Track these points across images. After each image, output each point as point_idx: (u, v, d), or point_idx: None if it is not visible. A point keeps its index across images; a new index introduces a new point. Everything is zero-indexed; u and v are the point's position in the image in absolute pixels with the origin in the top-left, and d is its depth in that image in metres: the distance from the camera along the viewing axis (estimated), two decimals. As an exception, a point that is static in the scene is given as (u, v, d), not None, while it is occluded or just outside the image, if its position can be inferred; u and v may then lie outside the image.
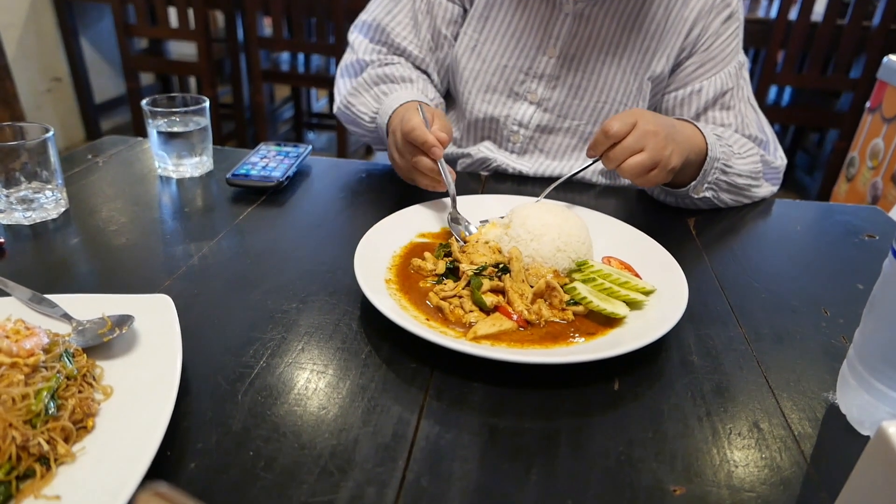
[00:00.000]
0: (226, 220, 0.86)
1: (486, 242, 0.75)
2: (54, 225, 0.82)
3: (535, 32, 1.02)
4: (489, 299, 0.65)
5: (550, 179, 1.07)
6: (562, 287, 0.67)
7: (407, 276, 0.71)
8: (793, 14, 2.52)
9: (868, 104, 2.28)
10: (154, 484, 0.26)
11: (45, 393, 0.46)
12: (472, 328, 0.62)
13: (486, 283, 0.67)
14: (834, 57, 2.65)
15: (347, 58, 1.11)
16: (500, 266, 0.70)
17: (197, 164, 0.98)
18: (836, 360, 0.61)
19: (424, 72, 1.09)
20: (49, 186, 0.83)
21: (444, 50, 1.08)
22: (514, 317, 0.64)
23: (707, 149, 0.89)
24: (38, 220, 0.82)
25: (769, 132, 1.04)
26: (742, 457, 0.51)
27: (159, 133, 0.95)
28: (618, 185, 1.09)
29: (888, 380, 0.51)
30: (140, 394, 0.50)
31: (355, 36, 1.10)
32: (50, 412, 0.46)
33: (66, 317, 0.58)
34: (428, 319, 0.64)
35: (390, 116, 0.96)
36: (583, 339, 0.62)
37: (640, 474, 0.49)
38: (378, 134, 1.04)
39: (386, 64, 1.06)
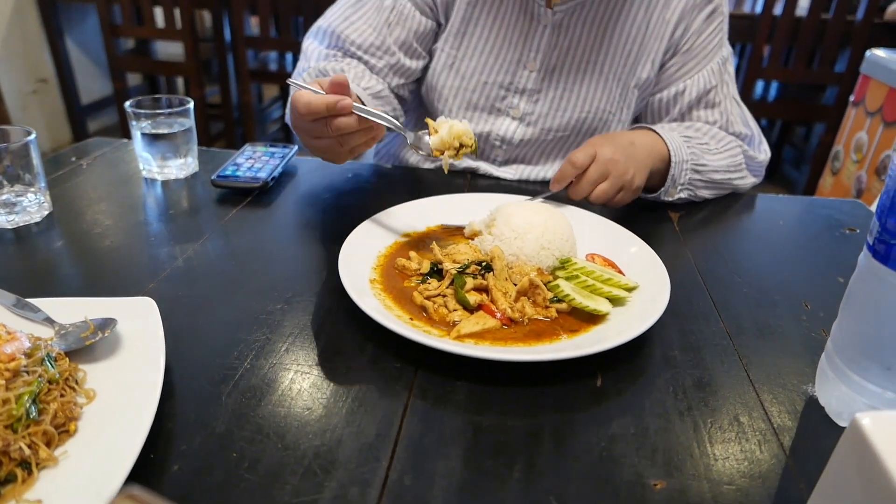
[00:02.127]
0: (211, 221, 0.86)
1: (468, 242, 0.76)
2: (37, 228, 0.82)
3: (514, 46, 0.99)
4: (473, 298, 0.65)
5: (533, 182, 1.08)
6: (545, 285, 0.68)
7: (392, 275, 0.72)
8: (778, 9, 2.54)
9: (852, 98, 2.30)
10: (129, 487, 0.26)
11: (26, 397, 0.46)
12: (456, 327, 0.62)
13: (470, 282, 0.67)
14: (819, 51, 2.67)
15: (300, 65, 1.03)
16: (484, 264, 0.71)
17: (182, 166, 0.98)
18: (816, 353, 0.61)
19: (382, 80, 1.01)
20: (32, 189, 0.82)
21: (416, 63, 1.02)
22: (498, 315, 0.64)
23: (671, 155, 0.91)
24: (21, 224, 0.81)
25: (754, 126, 1.05)
26: (722, 450, 0.51)
27: (143, 135, 0.95)
28: None
29: (865, 372, 0.51)
30: (123, 397, 0.50)
31: (309, 42, 1.03)
32: (31, 416, 0.46)
33: (49, 321, 0.58)
34: (412, 319, 0.64)
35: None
36: (566, 336, 0.63)
37: (622, 469, 0.49)
38: None
39: (333, 60, 0.98)
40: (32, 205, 0.83)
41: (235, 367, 0.58)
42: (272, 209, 0.90)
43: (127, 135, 1.00)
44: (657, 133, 0.94)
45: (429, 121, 0.76)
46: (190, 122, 0.98)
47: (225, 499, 0.45)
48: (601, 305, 0.66)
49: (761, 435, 0.53)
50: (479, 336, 0.62)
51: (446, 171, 0.80)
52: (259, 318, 0.65)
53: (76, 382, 0.52)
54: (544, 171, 1.09)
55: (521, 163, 1.09)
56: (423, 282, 0.70)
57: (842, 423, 0.55)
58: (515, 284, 0.69)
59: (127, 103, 0.95)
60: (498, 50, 1.00)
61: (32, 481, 0.43)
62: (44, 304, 0.60)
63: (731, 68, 1.03)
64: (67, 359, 0.53)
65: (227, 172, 0.95)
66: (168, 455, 0.48)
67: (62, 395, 0.49)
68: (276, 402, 0.54)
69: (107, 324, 0.56)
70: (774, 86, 3.61)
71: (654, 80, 1.03)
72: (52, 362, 0.51)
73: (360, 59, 0.99)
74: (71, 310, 0.59)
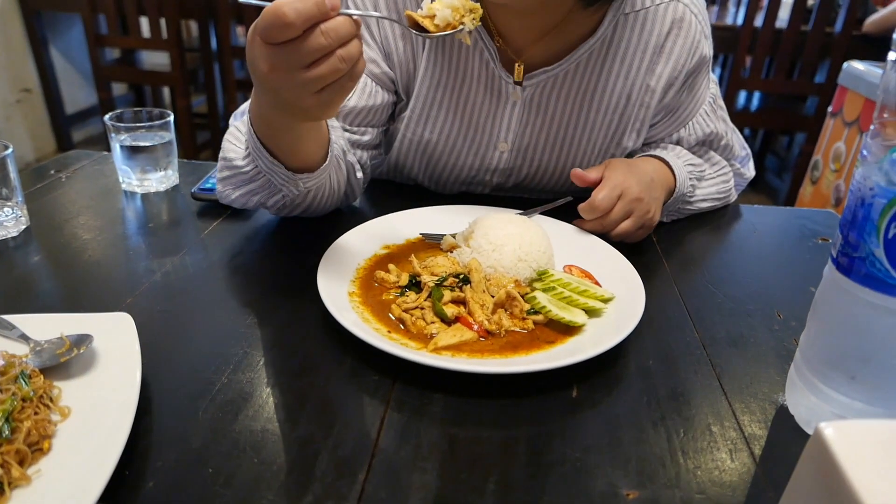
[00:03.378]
0: (190, 234, 0.86)
1: (447, 255, 0.76)
2: (14, 243, 0.81)
3: (482, 128, 0.93)
4: (450, 310, 0.66)
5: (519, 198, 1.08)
6: (522, 296, 0.68)
7: (371, 288, 0.72)
8: (758, 20, 2.59)
9: (830, 108, 2.34)
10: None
11: None
12: (433, 339, 0.63)
13: (448, 294, 0.68)
14: (799, 62, 2.72)
15: (224, 142, 0.82)
16: (461, 277, 0.72)
17: (162, 179, 0.98)
18: (788, 363, 0.62)
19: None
20: (9, 204, 0.82)
21: (375, 128, 0.94)
22: (475, 327, 0.65)
23: (675, 188, 0.91)
24: (-1, 238, 0.81)
25: (746, 145, 1.06)
26: (694, 459, 0.52)
27: (123, 148, 0.95)
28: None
29: (830, 381, 0.52)
30: (98, 414, 0.50)
31: (233, 130, 0.83)
32: (4, 435, 0.46)
33: (24, 337, 0.58)
34: (390, 332, 0.64)
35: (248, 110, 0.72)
36: (542, 347, 0.63)
37: (596, 480, 0.50)
38: (259, 165, 0.74)
39: None
40: (9, 219, 0.82)
41: (213, 381, 0.58)
42: (252, 222, 0.90)
43: (110, 147, 0.99)
44: (669, 166, 0.91)
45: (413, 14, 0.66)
46: (170, 135, 0.98)
47: (199, 515, 0.45)
48: (577, 317, 0.66)
49: (732, 444, 0.54)
50: (456, 348, 0.62)
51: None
52: (237, 332, 0.65)
53: (51, 400, 0.51)
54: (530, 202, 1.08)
55: (500, 202, 1.08)
56: (402, 294, 0.70)
57: (810, 432, 0.55)
58: (493, 296, 0.70)
59: (106, 116, 0.95)
60: (465, 132, 0.93)
61: (4, 501, 0.43)
62: (19, 320, 0.60)
63: (721, 101, 1.00)
64: (42, 376, 0.53)
65: (208, 185, 0.95)
66: (143, 472, 0.48)
67: (36, 413, 0.49)
68: (253, 417, 0.54)
69: (82, 340, 0.56)
70: (757, 96, 3.67)
71: (642, 142, 0.97)
72: (26, 380, 0.51)
73: None
74: (46, 326, 0.58)
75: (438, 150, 0.95)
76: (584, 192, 0.86)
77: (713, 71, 1.06)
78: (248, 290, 0.73)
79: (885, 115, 0.46)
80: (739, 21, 2.78)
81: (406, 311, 0.67)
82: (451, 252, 0.79)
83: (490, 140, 0.94)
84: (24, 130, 3.23)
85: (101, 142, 3.50)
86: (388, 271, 0.74)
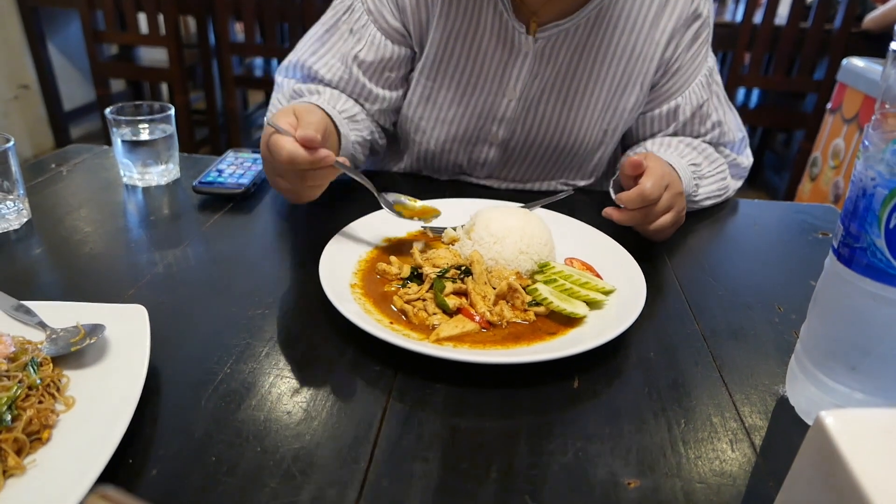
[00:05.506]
0: (192, 227, 0.86)
1: (448, 247, 0.76)
2: (16, 235, 0.81)
3: (493, 76, 0.96)
4: (452, 302, 0.66)
5: (520, 191, 1.09)
6: (524, 288, 0.68)
7: (372, 280, 0.72)
8: (758, 17, 2.59)
9: (829, 105, 2.34)
10: (102, 487, 0.26)
11: (2, 402, 0.46)
12: (435, 330, 0.63)
13: (449, 286, 0.68)
14: (798, 59, 2.72)
15: (274, 98, 1.02)
16: (463, 268, 0.72)
17: (163, 172, 0.98)
18: (788, 355, 0.63)
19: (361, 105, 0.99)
20: (10, 197, 0.82)
21: (390, 92, 1.00)
22: (477, 318, 0.65)
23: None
24: (0, 231, 0.81)
25: (742, 128, 1.06)
26: (694, 449, 0.53)
27: (124, 142, 0.95)
28: (583, 188, 1.11)
29: (831, 372, 0.53)
30: (101, 405, 0.50)
31: (280, 79, 1.01)
32: (4, 423, 0.46)
33: (42, 325, 0.59)
34: (392, 323, 0.64)
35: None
36: (544, 338, 0.64)
37: (596, 469, 0.50)
38: None
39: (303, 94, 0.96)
40: (11, 212, 0.82)
41: (215, 371, 0.58)
42: (254, 215, 0.90)
43: (109, 142, 0.99)
44: (673, 167, 0.89)
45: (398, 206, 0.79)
46: (171, 128, 0.98)
47: (203, 502, 0.45)
48: (578, 309, 0.67)
49: (733, 434, 0.55)
50: (457, 339, 0.63)
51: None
52: (239, 324, 0.65)
53: (57, 389, 0.51)
54: (530, 185, 1.09)
55: (504, 179, 1.09)
56: (404, 286, 0.71)
57: (811, 423, 0.56)
58: (494, 288, 0.70)
59: (107, 110, 0.95)
60: (476, 80, 0.97)
61: None
62: (38, 307, 0.61)
63: (718, 76, 1.02)
64: (52, 364, 0.53)
65: (209, 178, 0.95)
66: (146, 460, 0.48)
67: (40, 402, 0.49)
68: (256, 407, 0.54)
69: (95, 330, 0.57)
70: (756, 93, 3.67)
71: (642, 104, 1.00)
72: (36, 368, 0.52)
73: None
74: (63, 314, 0.59)
75: (449, 97, 0.98)
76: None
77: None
78: (249, 281, 0.73)
79: (887, 106, 0.46)
80: (738, 18, 2.78)
81: (408, 302, 0.67)
82: (453, 245, 0.79)
83: (500, 88, 0.96)
84: (22, 127, 3.22)
85: (100, 139, 3.50)
86: (389, 263, 0.74)
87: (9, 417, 0.46)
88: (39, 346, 0.55)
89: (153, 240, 0.82)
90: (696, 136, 1.01)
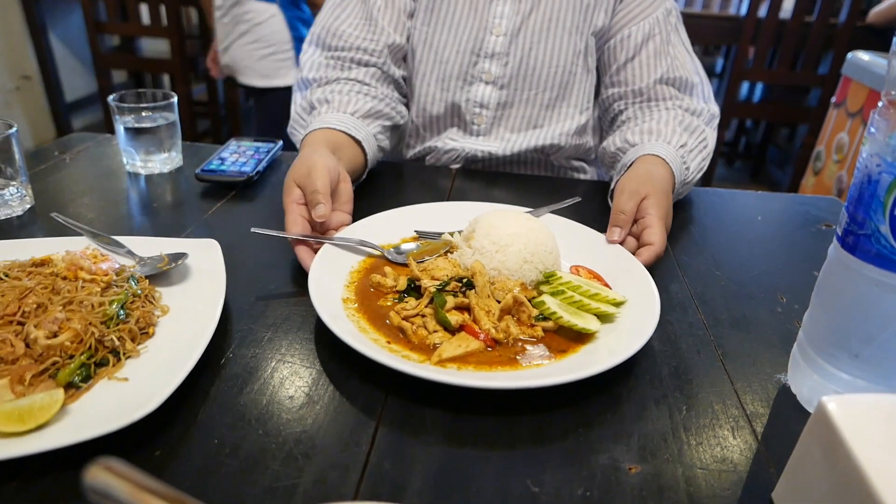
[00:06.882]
0: (194, 214, 0.86)
1: (447, 256, 0.72)
2: (19, 222, 0.81)
3: (480, 14, 1.05)
4: (454, 318, 0.61)
5: (522, 156, 1.10)
6: (530, 301, 0.64)
7: (366, 293, 0.67)
8: (762, 11, 2.57)
9: (834, 99, 2.33)
10: (105, 459, 0.26)
11: (116, 303, 0.58)
12: (437, 351, 0.58)
13: (451, 301, 0.63)
14: (802, 53, 2.71)
15: (297, 73, 1.08)
16: (464, 281, 0.67)
17: (166, 160, 0.98)
18: (790, 344, 0.63)
19: (381, 69, 1.04)
20: (13, 183, 0.82)
21: (405, 37, 1.08)
22: (481, 336, 0.60)
23: (674, 183, 0.90)
24: (2, 217, 0.81)
25: (703, 76, 1.07)
26: (696, 436, 0.53)
27: (127, 129, 0.95)
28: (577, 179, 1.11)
29: (834, 360, 0.53)
30: (191, 312, 0.61)
31: (306, 54, 1.07)
32: (120, 317, 0.57)
33: (130, 253, 0.70)
34: (389, 342, 0.60)
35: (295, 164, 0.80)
36: (554, 358, 0.59)
37: (598, 454, 0.50)
38: None
39: (321, 85, 1.01)
40: (14, 198, 0.82)
41: (219, 355, 0.58)
42: (256, 203, 0.90)
43: (112, 132, 0.99)
44: (668, 165, 0.89)
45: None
46: (174, 116, 0.98)
47: (206, 483, 0.45)
48: (590, 324, 0.62)
49: (734, 422, 0.55)
50: (461, 360, 0.58)
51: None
52: (242, 309, 0.65)
53: (153, 299, 0.63)
54: (527, 138, 1.10)
55: (503, 129, 1.11)
56: (400, 300, 0.66)
57: (812, 411, 0.56)
58: (499, 302, 0.65)
59: (110, 97, 0.95)
60: (465, 19, 1.06)
61: (120, 366, 0.54)
62: (126, 240, 0.72)
63: (677, 20, 1.07)
64: (147, 281, 0.64)
65: (212, 166, 0.95)
66: (150, 440, 0.49)
67: (143, 307, 0.60)
68: (259, 391, 0.55)
69: (178, 257, 0.67)
70: (759, 87, 3.66)
71: (608, 28, 1.07)
72: (135, 281, 0.63)
73: (357, 49, 1.02)
74: (148, 246, 0.71)
75: (443, 38, 1.07)
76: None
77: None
78: (252, 268, 0.73)
79: (894, 93, 0.46)
80: (743, 11, 2.77)
81: (406, 318, 0.62)
82: (451, 254, 0.74)
83: (487, 25, 1.06)
84: (24, 118, 3.22)
85: (101, 129, 3.48)
86: (384, 274, 0.70)
87: (123, 314, 0.58)
88: (132, 268, 0.67)
89: (156, 227, 0.82)
90: (649, 71, 1.04)
